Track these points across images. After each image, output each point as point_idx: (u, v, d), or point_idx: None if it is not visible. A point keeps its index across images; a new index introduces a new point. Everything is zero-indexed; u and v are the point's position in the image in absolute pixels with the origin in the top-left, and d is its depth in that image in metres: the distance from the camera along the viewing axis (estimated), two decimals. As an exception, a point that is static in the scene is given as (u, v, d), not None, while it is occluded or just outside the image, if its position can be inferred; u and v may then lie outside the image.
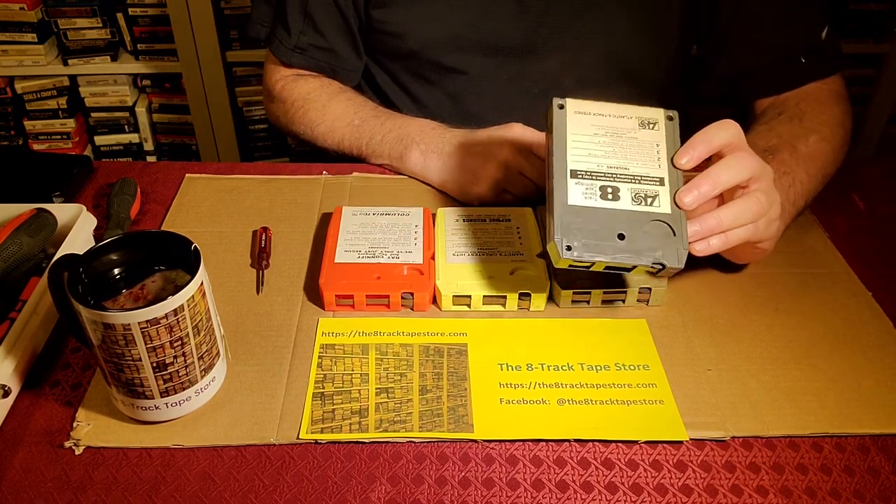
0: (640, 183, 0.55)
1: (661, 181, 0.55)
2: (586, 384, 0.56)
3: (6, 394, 0.52)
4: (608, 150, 0.56)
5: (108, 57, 1.71)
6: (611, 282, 0.61)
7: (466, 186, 0.72)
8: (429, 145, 0.75)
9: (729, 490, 0.49)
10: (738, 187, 0.55)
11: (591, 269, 0.54)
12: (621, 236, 0.53)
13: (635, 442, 0.52)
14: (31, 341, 0.56)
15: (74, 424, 0.52)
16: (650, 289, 0.61)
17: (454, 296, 0.61)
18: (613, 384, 0.56)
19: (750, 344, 0.59)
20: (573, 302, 0.62)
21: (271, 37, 0.87)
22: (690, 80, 0.93)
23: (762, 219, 0.56)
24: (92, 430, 0.52)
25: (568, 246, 0.52)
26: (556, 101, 0.58)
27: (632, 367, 0.57)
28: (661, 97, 0.89)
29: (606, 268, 0.54)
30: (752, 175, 0.55)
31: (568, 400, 0.54)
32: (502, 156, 0.70)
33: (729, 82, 0.84)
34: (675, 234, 0.53)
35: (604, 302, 0.62)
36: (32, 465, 0.50)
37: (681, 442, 0.52)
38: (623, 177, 0.55)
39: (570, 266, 0.54)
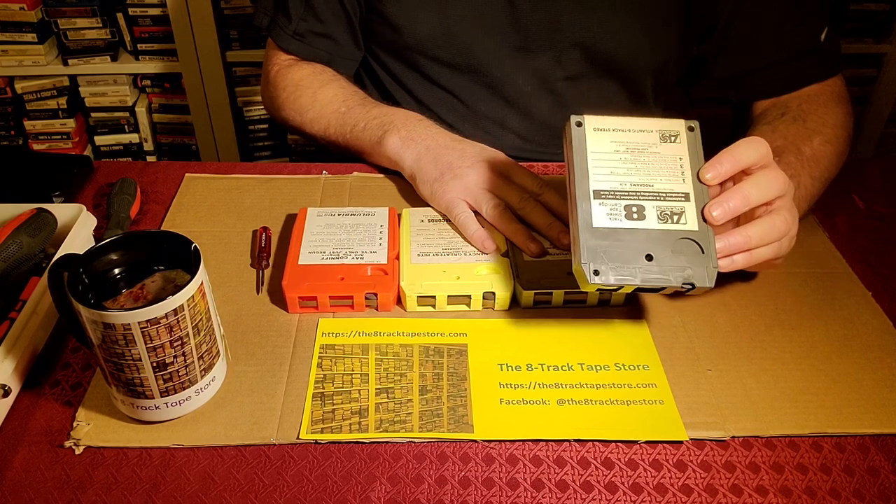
0: (665, 200, 0.54)
1: (687, 196, 0.54)
2: (586, 384, 0.56)
3: (6, 394, 0.52)
4: (630, 167, 0.55)
5: (108, 57, 1.71)
6: (573, 283, 0.61)
7: (434, 183, 0.70)
8: (409, 133, 0.74)
9: (729, 490, 0.49)
10: (764, 204, 0.55)
11: (620, 291, 0.54)
12: (649, 257, 0.52)
13: (635, 442, 0.52)
14: (31, 341, 0.56)
15: (74, 424, 0.52)
16: (611, 290, 0.60)
17: (419, 296, 0.61)
18: (613, 384, 0.56)
19: (750, 344, 0.60)
20: (535, 302, 0.62)
21: (272, 24, 0.87)
22: (689, 80, 0.93)
23: (786, 237, 0.56)
24: (92, 429, 0.52)
25: (596, 271, 0.51)
26: (574, 119, 0.56)
27: (632, 367, 0.57)
28: (655, 96, 0.89)
29: (636, 289, 0.53)
30: (779, 194, 0.55)
31: (568, 400, 0.55)
32: (479, 162, 0.69)
33: (729, 83, 0.84)
34: (703, 252, 0.53)
35: (565, 302, 0.62)
36: (32, 465, 0.50)
37: (681, 442, 0.52)
38: (647, 194, 0.54)
39: (599, 289, 0.53)
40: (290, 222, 0.70)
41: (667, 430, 0.52)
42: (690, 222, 0.53)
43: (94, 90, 1.76)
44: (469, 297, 0.61)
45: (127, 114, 1.79)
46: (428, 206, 0.71)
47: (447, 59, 0.84)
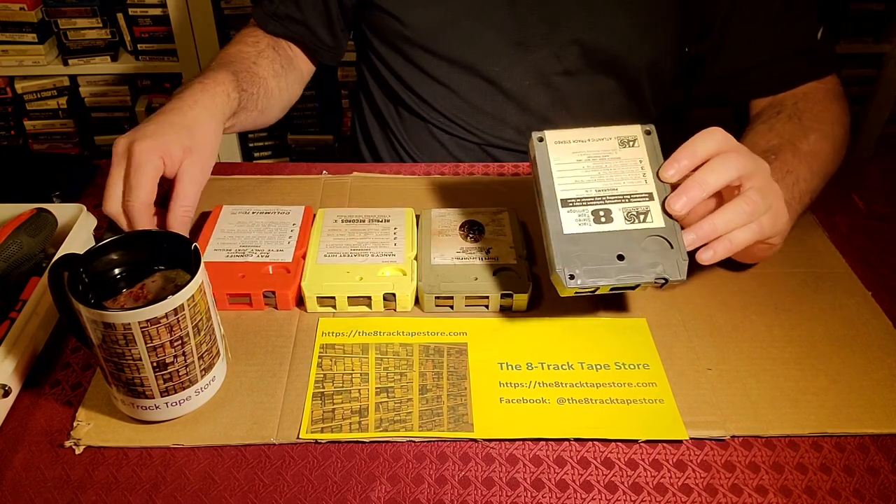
0: (630, 201, 0.56)
1: (650, 196, 0.56)
2: (586, 383, 0.56)
3: (6, 394, 0.52)
4: (594, 173, 0.57)
5: (108, 57, 1.71)
6: (476, 287, 0.61)
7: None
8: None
9: (729, 490, 0.49)
10: (734, 189, 0.56)
11: (597, 293, 0.55)
12: (621, 257, 0.54)
13: (635, 441, 0.52)
14: (32, 341, 0.56)
15: (75, 424, 0.52)
16: (512, 294, 0.61)
17: (318, 297, 0.61)
18: (613, 383, 0.56)
19: (750, 344, 0.60)
20: (437, 306, 0.62)
21: (258, 2, 0.89)
22: (688, 79, 0.93)
23: (765, 215, 0.56)
24: (92, 429, 0.52)
25: (571, 275, 0.53)
26: (535, 135, 0.58)
27: (632, 367, 0.57)
28: (653, 96, 0.89)
29: (612, 289, 0.54)
30: (740, 174, 0.55)
31: (568, 399, 0.55)
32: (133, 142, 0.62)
33: (725, 82, 0.84)
34: (672, 247, 0.54)
35: (467, 306, 0.62)
36: (32, 465, 0.50)
37: (680, 441, 0.52)
38: (613, 198, 0.56)
39: (577, 293, 0.54)
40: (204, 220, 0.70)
41: (667, 429, 0.52)
42: (657, 220, 0.55)
43: (94, 90, 1.76)
44: (369, 298, 0.61)
45: (127, 114, 1.79)
46: (345, 207, 0.71)
47: (445, 53, 0.84)
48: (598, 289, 0.54)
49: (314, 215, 0.69)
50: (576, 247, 0.54)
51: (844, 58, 1.75)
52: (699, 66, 0.86)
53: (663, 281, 0.54)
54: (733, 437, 0.52)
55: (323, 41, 0.89)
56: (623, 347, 0.59)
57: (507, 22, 0.81)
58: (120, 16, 1.67)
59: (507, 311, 0.62)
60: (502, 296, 0.61)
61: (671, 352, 0.59)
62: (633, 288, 0.55)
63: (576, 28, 0.81)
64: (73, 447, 0.51)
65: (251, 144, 1.86)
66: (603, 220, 0.55)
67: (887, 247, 0.71)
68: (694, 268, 0.66)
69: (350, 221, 0.68)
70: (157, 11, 1.65)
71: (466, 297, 0.61)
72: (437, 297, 0.61)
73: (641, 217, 0.55)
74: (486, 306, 0.62)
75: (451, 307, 0.62)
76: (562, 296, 0.55)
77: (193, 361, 0.51)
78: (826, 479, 0.50)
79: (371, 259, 0.63)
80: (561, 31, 0.81)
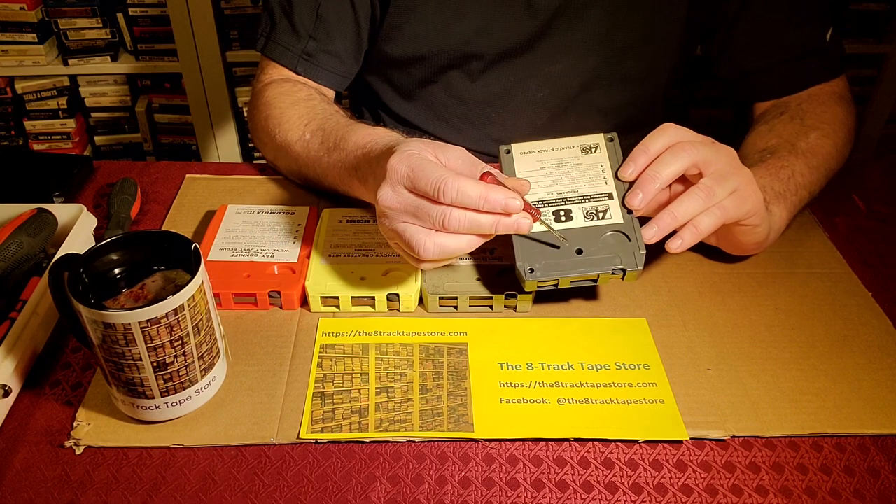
0: (590, 201, 0.58)
1: (610, 195, 0.58)
2: (586, 383, 0.56)
3: (6, 394, 0.52)
4: (556, 178, 0.60)
5: (108, 57, 1.71)
6: (478, 288, 0.61)
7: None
8: (369, 170, 0.59)
9: (729, 490, 0.49)
10: (697, 178, 0.57)
11: (559, 288, 0.57)
12: (579, 251, 0.56)
13: (635, 441, 0.52)
14: (32, 341, 0.56)
15: (75, 424, 0.52)
16: (516, 295, 0.61)
17: (322, 297, 0.61)
18: (613, 383, 0.56)
19: (750, 344, 0.60)
20: (440, 307, 0.62)
21: (271, 43, 0.80)
22: (691, 81, 0.93)
23: (728, 198, 0.56)
24: (92, 429, 0.52)
25: (531, 269, 0.56)
26: (503, 148, 0.62)
27: (632, 367, 0.57)
28: (664, 100, 0.89)
29: (573, 282, 0.56)
30: (695, 162, 0.56)
31: (568, 399, 0.55)
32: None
33: (732, 83, 0.84)
34: (630, 240, 0.56)
35: (471, 307, 0.62)
36: (33, 465, 0.50)
37: (681, 441, 0.52)
38: (573, 199, 0.59)
39: (539, 287, 0.57)
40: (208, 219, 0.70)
41: (667, 430, 0.52)
42: (615, 217, 0.57)
43: (94, 90, 1.76)
44: (373, 298, 0.61)
45: (127, 114, 1.79)
46: (348, 206, 0.70)
47: (459, 67, 0.82)
48: (558, 282, 0.56)
49: (318, 215, 0.69)
50: (536, 243, 0.57)
51: (845, 59, 1.75)
52: (705, 67, 0.86)
53: (621, 272, 0.56)
54: (733, 437, 0.52)
55: (348, 69, 0.82)
56: (623, 347, 0.59)
57: (523, 34, 0.80)
58: (120, 16, 1.67)
59: (509, 312, 0.62)
60: (506, 296, 0.61)
61: (671, 352, 0.59)
62: (594, 281, 0.57)
63: (597, 39, 0.80)
64: (73, 447, 0.51)
65: (251, 145, 1.86)
66: (563, 218, 0.58)
67: (887, 247, 0.71)
68: (695, 268, 0.67)
69: (355, 222, 0.68)
70: (157, 11, 1.65)
71: (470, 298, 0.61)
72: (440, 298, 0.61)
73: (601, 215, 0.57)
74: (490, 307, 0.62)
75: (455, 308, 0.62)
76: (526, 290, 0.57)
77: (193, 361, 0.51)
78: (826, 480, 0.50)
79: (375, 259, 0.64)
80: (576, 42, 0.79)
